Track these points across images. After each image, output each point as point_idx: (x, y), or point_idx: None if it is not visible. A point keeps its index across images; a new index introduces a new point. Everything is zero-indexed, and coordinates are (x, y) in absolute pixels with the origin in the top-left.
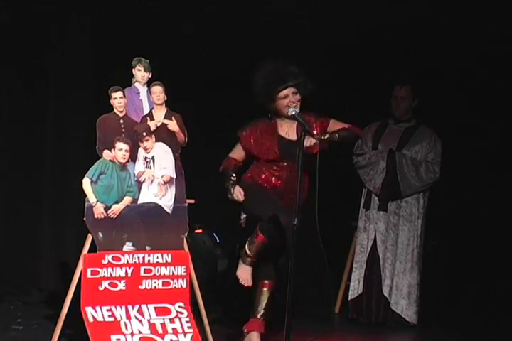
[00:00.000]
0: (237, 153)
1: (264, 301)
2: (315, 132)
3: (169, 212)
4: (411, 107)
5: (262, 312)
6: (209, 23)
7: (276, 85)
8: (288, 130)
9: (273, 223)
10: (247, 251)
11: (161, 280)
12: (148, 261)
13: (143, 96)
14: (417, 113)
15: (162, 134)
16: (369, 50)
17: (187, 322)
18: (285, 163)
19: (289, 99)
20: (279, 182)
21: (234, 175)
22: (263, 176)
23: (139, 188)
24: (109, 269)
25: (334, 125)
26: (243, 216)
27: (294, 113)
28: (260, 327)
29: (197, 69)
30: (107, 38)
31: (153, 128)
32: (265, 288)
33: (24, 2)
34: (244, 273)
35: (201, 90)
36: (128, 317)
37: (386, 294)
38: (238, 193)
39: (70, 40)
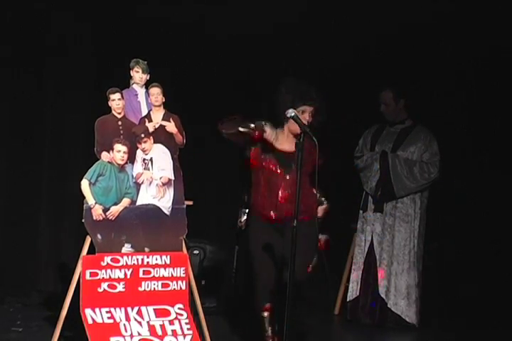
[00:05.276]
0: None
1: (270, 326)
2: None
3: (168, 213)
4: (398, 109)
5: (271, 334)
6: (208, 24)
7: (302, 99)
8: (284, 142)
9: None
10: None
11: (160, 282)
12: (147, 262)
13: (141, 98)
14: (415, 113)
15: (160, 136)
16: (368, 51)
17: (186, 323)
18: (287, 177)
19: (304, 116)
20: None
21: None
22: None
23: (138, 190)
24: (108, 271)
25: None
26: (243, 218)
27: (293, 114)
28: None
29: (195, 70)
30: (106, 39)
31: (151, 129)
32: (266, 313)
33: (25, 3)
34: None
35: (199, 91)
36: (127, 319)
37: (383, 295)
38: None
39: (70, 41)
